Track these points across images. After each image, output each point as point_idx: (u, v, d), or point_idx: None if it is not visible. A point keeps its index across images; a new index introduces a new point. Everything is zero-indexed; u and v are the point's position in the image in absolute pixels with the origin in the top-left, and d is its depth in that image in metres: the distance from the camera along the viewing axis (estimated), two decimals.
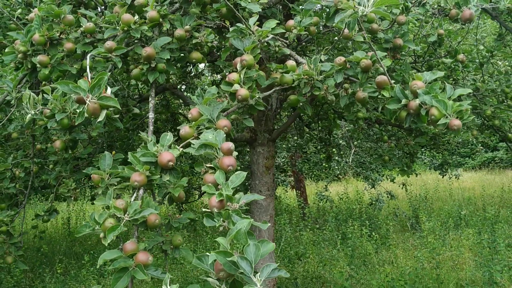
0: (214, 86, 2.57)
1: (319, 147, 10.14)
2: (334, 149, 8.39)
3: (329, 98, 2.83)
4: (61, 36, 2.88)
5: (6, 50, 2.96)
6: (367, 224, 9.34)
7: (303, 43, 5.73)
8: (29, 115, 2.52)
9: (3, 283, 7.05)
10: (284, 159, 11.10)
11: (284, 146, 9.74)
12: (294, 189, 11.42)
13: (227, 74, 3.22)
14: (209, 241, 8.79)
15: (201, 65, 8.12)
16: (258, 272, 1.65)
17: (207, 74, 8.03)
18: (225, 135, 2.14)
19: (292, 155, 10.60)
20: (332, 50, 3.13)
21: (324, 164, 10.63)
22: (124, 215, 2.09)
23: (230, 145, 2.08)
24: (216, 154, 2.10)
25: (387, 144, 5.61)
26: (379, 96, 2.66)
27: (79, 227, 2.23)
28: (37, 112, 2.53)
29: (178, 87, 6.69)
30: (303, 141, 9.02)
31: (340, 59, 2.77)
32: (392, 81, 2.63)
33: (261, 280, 1.62)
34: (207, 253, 1.78)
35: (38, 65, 2.83)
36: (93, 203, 5.67)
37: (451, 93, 2.32)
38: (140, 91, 5.31)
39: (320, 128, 6.98)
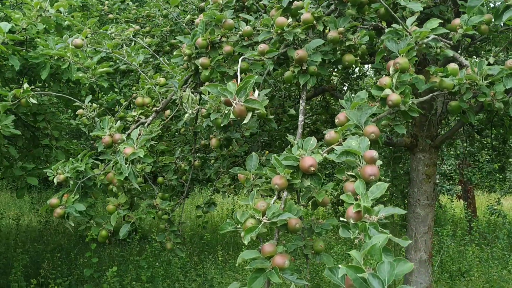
0: (365, 90, 2.46)
1: (492, 156, 9.19)
2: (510, 159, 7.52)
3: (496, 106, 2.52)
4: (221, 39, 3.02)
5: (175, 53, 3.20)
6: None
7: (477, 43, 5.24)
8: (187, 114, 2.69)
9: (171, 263, 7.76)
10: (451, 167, 10.30)
11: (452, 153, 9.05)
12: (460, 199, 10.52)
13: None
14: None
15: (366, 66, 7.93)
16: None
17: (371, 76, 7.81)
18: (369, 143, 2.03)
19: (460, 163, 9.81)
20: (505, 50, 2.78)
21: (497, 175, 9.63)
22: (262, 217, 2.10)
23: (374, 153, 1.96)
24: (359, 162, 2.00)
25: None
26: None
27: (223, 224, 2.31)
28: (194, 112, 2.69)
29: (340, 88, 6.61)
30: (473, 149, 8.25)
31: (511, 62, 2.45)
32: None
33: None
34: (339, 265, 1.71)
35: (200, 67, 3.02)
36: None
37: None
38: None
39: (493, 135, 6.32)
